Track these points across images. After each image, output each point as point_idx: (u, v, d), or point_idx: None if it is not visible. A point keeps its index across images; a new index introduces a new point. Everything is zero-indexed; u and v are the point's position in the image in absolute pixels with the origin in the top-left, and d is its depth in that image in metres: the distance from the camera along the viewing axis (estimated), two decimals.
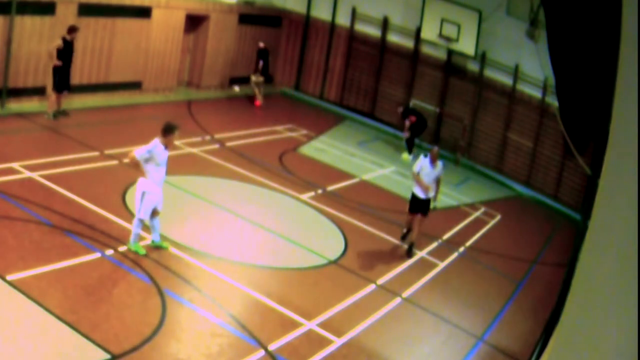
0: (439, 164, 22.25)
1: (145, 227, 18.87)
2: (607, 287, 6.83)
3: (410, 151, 33.36)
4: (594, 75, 21.87)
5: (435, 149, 22.48)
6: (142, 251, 18.66)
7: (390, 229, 23.36)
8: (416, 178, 22.09)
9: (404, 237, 23.01)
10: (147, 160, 18.04)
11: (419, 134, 33.55)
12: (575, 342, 7.33)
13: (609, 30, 17.94)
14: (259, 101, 36.61)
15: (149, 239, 19.02)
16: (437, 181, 22.45)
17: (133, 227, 18.71)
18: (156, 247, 18.87)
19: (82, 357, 14.31)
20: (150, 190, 18.18)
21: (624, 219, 6.66)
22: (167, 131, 18.16)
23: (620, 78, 6.96)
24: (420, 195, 21.91)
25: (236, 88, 31.96)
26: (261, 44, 36.56)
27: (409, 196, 21.73)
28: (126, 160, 19.84)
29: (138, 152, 18.00)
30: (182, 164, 19.44)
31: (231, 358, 15.41)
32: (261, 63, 36.22)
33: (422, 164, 22.03)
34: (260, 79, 36.43)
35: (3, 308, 15.30)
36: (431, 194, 22.26)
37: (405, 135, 33.31)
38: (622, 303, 6.55)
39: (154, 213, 18.66)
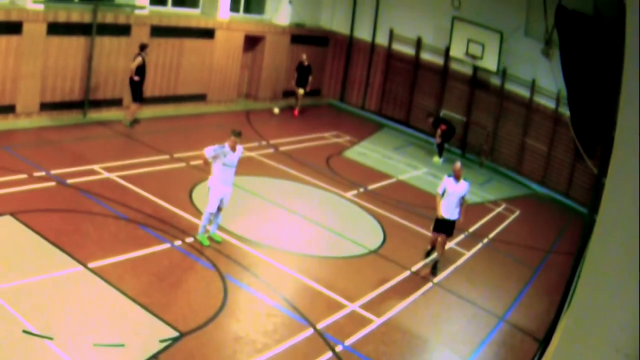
0: (463, 182, 19.89)
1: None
2: (613, 272, 6.81)
3: (440, 155, 33.27)
4: (600, 88, 21.74)
5: (458, 164, 20.25)
6: (206, 242, 18.78)
7: (423, 222, 23.24)
8: (437, 200, 19.95)
9: (428, 254, 20.95)
10: (214, 159, 18.19)
11: (449, 140, 33.47)
12: (585, 321, 7.31)
13: (614, 49, 17.83)
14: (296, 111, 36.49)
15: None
16: (462, 201, 20.03)
17: (202, 220, 18.93)
18: (209, 237, 19.00)
19: (154, 334, 14.43)
20: (213, 186, 18.38)
21: (627, 213, 6.66)
22: (233, 135, 18.39)
23: (623, 91, 6.93)
24: (445, 215, 19.75)
25: (276, 110, 31.46)
26: (306, 62, 35.90)
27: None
28: (199, 162, 19.94)
29: (207, 149, 18.26)
30: (242, 166, 19.51)
31: (284, 335, 15.47)
32: (310, 78, 35.99)
33: (446, 183, 19.85)
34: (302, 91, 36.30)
35: (85, 292, 15.49)
36: (455, 216, 19.95)
37: (437, 141, 33.24)
38: (625, 286, 6.54)
39: (218, 209, 18.77)
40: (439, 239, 20.05)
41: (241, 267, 18.24)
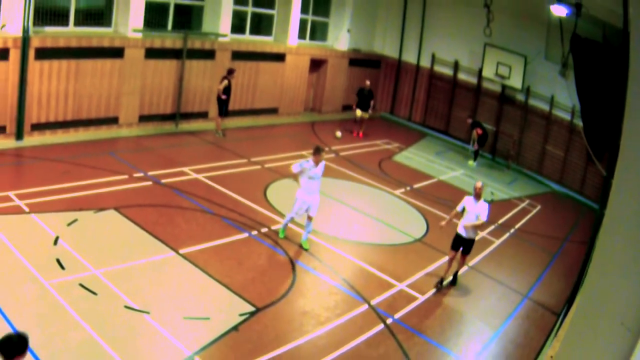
0: (483, 202, 17.52)
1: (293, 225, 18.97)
2: (619, 258, 6.78)
3: (475, 159, 33.11)
4: (608, 103, 21.49)
5: (479, 184, 17.63)
6: (282, 235, 18.80)
7: (459, 215, 23.15)
8: (452, 213, 18.02)
9: (440, 283, 17.82)
10: (301, 172, 18.10)
11: (482, 145, 33.26)
12: (595, 299, 7.27)
13: (620, 71, 17.61)
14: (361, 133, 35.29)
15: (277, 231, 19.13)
16: (478, 221, 17.36)
17: (285, 219, 18.95)
18: (300, 245, 18.74)
19: (235, 309, 14.56)
20: (299, 197, 18.23)
21: (630, 208, 6.63)
22: (315, 152, 18.09)
23: (628, 105, 6.88)
24: (463, 234, 17.54)
25: (338, 133, 30.60)
26: (368, 87, 34.44)
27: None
28: (273, 165, 19.91)
29: (294, 165, 18.15)
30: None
31: (343, 310, 15.50)
32: (372, 102, 34.69)
33: (466, 202, 17.65)
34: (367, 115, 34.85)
35: (177, 273, 15.69)
36: (474, 235, 17.73)
37: (475, 147, 33.12)
38: (630, 269, 6.51)
39: (308, 218, 18.52)
40: (458, 256, 17.90)
41: (308, 253, 18.30)
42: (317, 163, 18.06)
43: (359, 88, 34.99)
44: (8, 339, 8.03)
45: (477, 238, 18.51)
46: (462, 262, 18.30)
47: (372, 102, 34.27)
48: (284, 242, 18.60)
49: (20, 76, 22.50)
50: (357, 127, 34.35)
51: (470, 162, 33.08)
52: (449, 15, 37.22)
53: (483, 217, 17.32)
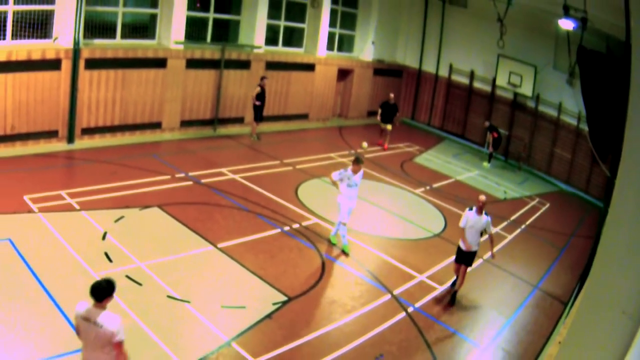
0: (484, 216, 16.20)
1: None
2: (621, 252, 6.78)
3: (489, 161, 33.02)
4: (612, 109, 21.38)
5: (482, 197, 16.33)
6: (346, 250, 18.28)
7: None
8: (461, 234, 16.48)
9: (454, 284, 16.94)
10: (340, 180, 17.94)
11: (497, 148, 33.19)
12: (599, 289, 7.27)
13: (622, 79, 17.51)
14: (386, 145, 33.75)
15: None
16: (490, 237, 16.57)
17: (337, 227, 18.48)
18: (328, 240, 18.66)
19: (268, 298, 14.62)
20: (340, 202, 18.02)
21: (632, 206, 6.63)
22: (355, 162, 17.85)
23: (630, 111, 6.88)
24: (463, 247, 16.37)
25: (365, 144, 29.67)
26: (392, 100, 33.21)
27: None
28: (304, 166, 19.91)
29: (334, 173, 17.98)
30: (335, 169, 19.64)
31: (368, 299, 15.52)
32: (398, 114, 33.70)
33: (467, 216, 16.31)
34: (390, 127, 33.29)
35: (215, 266, 15.77)
36: (475, 248, 16.43)
37: (490, 150, 33.06)
38: (631, 262, 6.51)
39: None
40: (461, 269, 16.61)
41: (335, 247, 18.33)
42: (355, 172, 17.87)
43: (383, 101, 34.01)
44: (98, 284, 8.71)
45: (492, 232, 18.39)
46: (463, 276, 16.60)
47: (397, 114, 33.26)
48: (312, 236, 18.62)
49: (71, 84, 22.70)
50: (383, 138, 33.22)
51: (485, 164, 32.96)
52: (465, 29, 37.12)
53: (490, 230, 16.46)
